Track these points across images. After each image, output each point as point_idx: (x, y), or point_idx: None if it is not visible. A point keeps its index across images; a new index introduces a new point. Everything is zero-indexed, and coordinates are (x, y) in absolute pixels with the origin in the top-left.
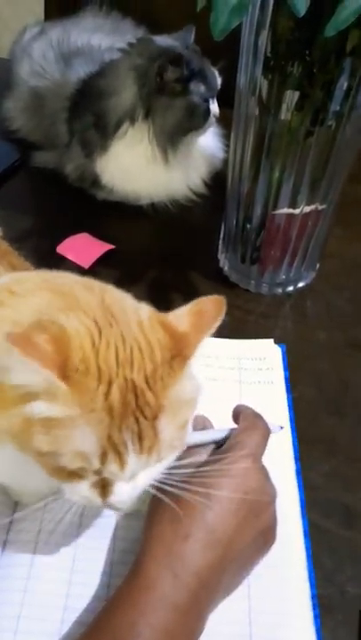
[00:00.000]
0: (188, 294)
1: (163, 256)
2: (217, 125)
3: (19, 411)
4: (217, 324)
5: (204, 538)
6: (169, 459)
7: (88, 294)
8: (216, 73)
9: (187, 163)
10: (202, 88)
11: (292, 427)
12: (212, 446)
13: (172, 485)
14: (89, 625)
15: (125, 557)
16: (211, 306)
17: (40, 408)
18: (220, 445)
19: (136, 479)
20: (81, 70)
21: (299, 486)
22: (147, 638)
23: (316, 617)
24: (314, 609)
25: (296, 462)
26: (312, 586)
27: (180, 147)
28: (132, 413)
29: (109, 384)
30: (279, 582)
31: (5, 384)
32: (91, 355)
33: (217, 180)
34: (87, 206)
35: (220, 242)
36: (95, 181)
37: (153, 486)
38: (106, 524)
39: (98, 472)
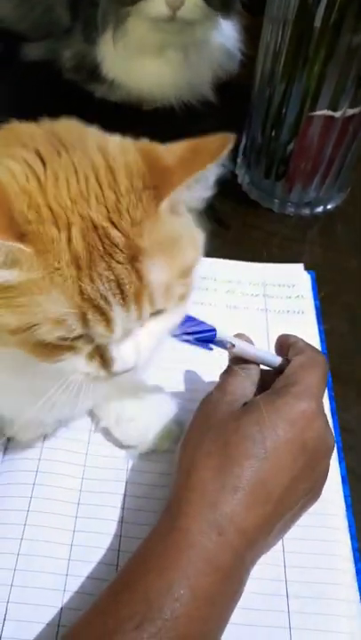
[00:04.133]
0: (201, 214)
1: None
2: (234, 25)
3: None
4: (212, 164)
5: (254, 491)
6: (174, 313)
7: (33, 126)
8: None
9: (195, 58)
10: None
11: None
12: (257, 376)
13: (214, 425)
14: (113, 581)
15: (140, 504)
16: (211, 143)
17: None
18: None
19: (137, 338)
20: None
21: (335, 428)
22: (185, 602)
23: (359, 572)
24: (356, 563)
25: (331, 402)
26: (353, 538)
27: (126, 27)
28: (102, 258)
29: (68, 228)
30: (317, 534)
31: None
32: (39, 196)
33: (232, 86)
34: (83, 108)
35: (240, 154)
36: (94, 72)
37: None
38: (116, 466)
39: (88, 339)
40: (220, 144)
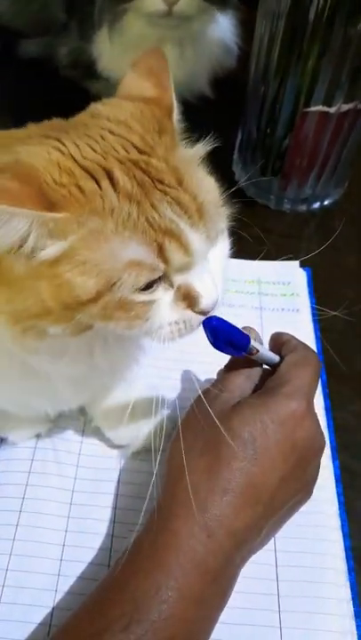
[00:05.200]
0: None
1: None
2: (230, 19)
3: (34, 272)
4: (170, 70)
5: (244, 493)
6: (225, 241)
7: (20, 130)
8: None
9: (192, 53)
10: None
11: (320, 360)
12: (258, 378)
13: (207, 426)
14: (102, 581)
15: (131, 503)
16: (153, 59)
17: (56, 248)
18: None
19: (209, 268)
20: None
21: (328, 426)
22: (173, 604)
23: (350, 571)
24: (348, 562)
25: (325, 400)
26: (345, 536)
27: (122, 23)
28: (154, 187)
29: (109, 174)
30: (309, 533)
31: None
32: (68, 162)
33: (229, 81)
34: (79, 105)
35: (236, 151)
36: (90, 69)
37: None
38: (108, 466)
39: (167, 283)
40: (160, 55)
